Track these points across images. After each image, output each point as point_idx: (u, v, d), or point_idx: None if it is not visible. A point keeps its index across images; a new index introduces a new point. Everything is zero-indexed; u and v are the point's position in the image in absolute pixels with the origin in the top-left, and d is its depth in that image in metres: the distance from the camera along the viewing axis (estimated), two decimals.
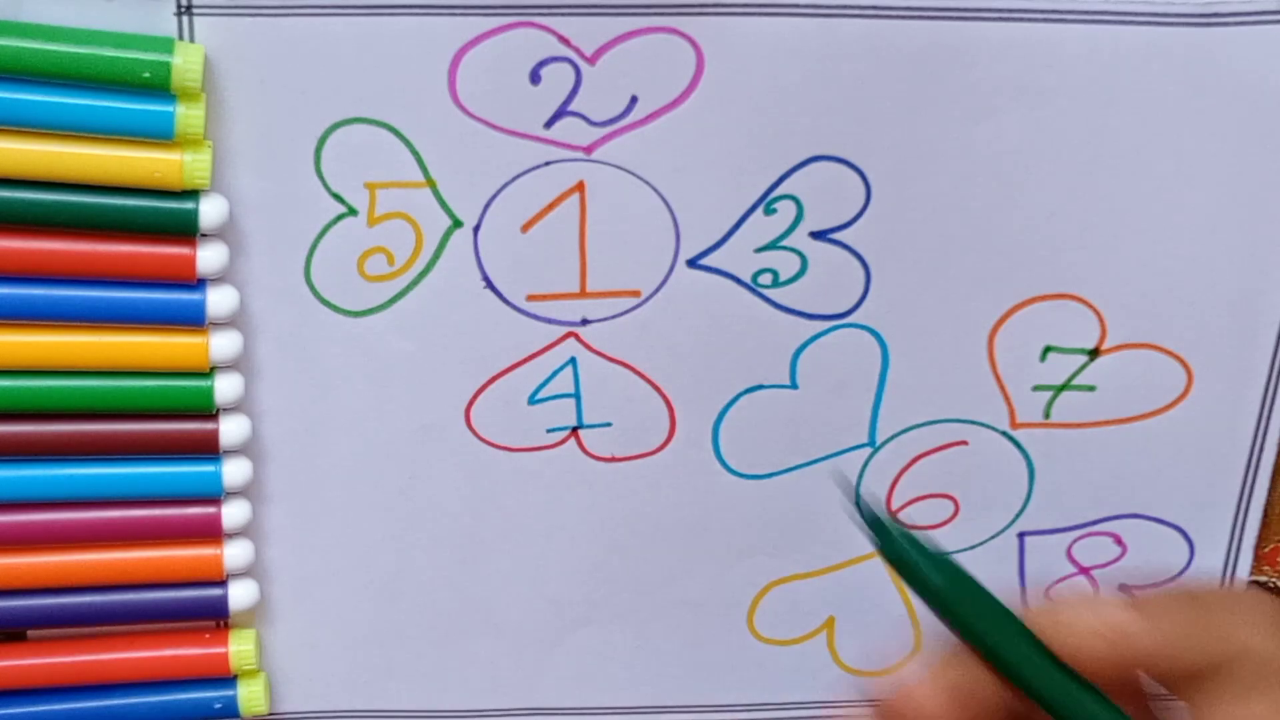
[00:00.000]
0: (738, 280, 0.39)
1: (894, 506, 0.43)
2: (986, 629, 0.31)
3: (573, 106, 0.37)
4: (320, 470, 0.41)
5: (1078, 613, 0.31)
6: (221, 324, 0.38)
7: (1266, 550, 0.44)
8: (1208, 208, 0.39)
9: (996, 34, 0.37)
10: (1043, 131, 0.38)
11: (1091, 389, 0.41)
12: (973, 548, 0.43)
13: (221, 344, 0.38)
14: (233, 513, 0.40)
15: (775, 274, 0.39)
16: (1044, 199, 0.39)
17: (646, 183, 0.38)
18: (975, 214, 0.39)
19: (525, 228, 0.38)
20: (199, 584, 0.41)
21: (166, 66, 0.35)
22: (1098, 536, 0.43)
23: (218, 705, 0.42)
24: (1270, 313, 0.40)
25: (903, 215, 0.39)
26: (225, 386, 0.38)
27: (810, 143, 0.38)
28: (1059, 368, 0.41)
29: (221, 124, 0.36)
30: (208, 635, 0.42)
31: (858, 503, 0.31)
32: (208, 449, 0.39)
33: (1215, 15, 0.37)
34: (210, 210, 0.36)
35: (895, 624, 0.44)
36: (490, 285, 0.39)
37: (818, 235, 0.39)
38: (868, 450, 0.42)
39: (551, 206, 0.38)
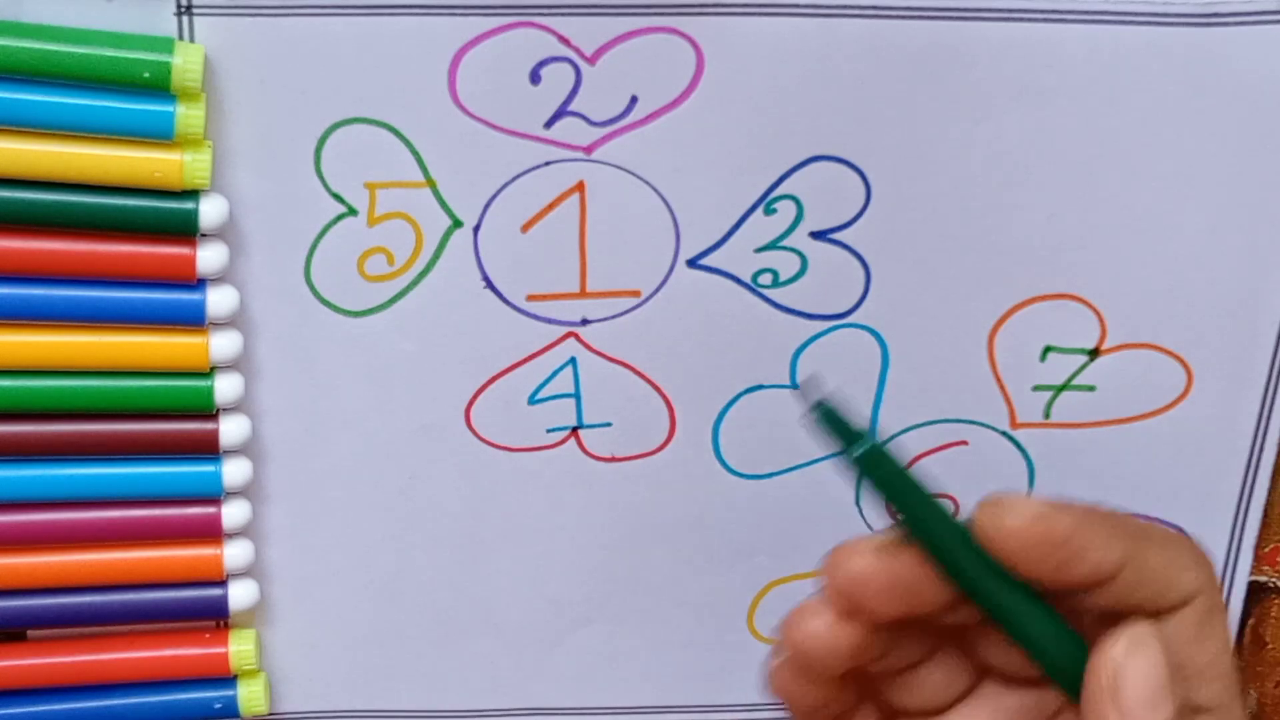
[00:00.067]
0: (738, 280, 0.39)
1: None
2: (920, 515, 0.31)
3: (573, 106, 0.37)
4: (320, 470, 0.41)
5: (1009, 499, 0.32)
6: (221, 324, 0.38)
7: (1266, 550, 0.44)
8: (1208, 208, 0.39)
9: (996, 34, 0.37)
10: (1043, 131, 0.38)
11: (1091, 389, 0.41)
12: None
13: (221, 344, 0.38)
14: (233, 513, 0.40)
15: (775, 274, 0.39)
16: (1044, 199, 0.39)
17: (646, 183, 0.38)
18: (975, 214, 0.39)
19: (525, 228, 0.38)
20: (199, 584, 0.41)
21: (166, 66, 0.35)
22: None
23: (218, 705, 0.42)
24: (1270, 313, 0.40)
25: (903, 215, 0.39)
26: (225, 386, 0.38)
27: (810, 143, 0.38)
28: (1059, 368, 0.41)
29: (221, 124, 0.36)
30: (208, 635, 0.42)
31: (815, 405, 0.31)
32: (208, 449, 0.39)
33: (1215, 15, 0.37)
34: (210, 210, 0.36)
35: None
36: (490, 285, 0.39)
37: (818, 235, 0.39)
38: None
39: (551, 206, 0.38)
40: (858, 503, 0.43)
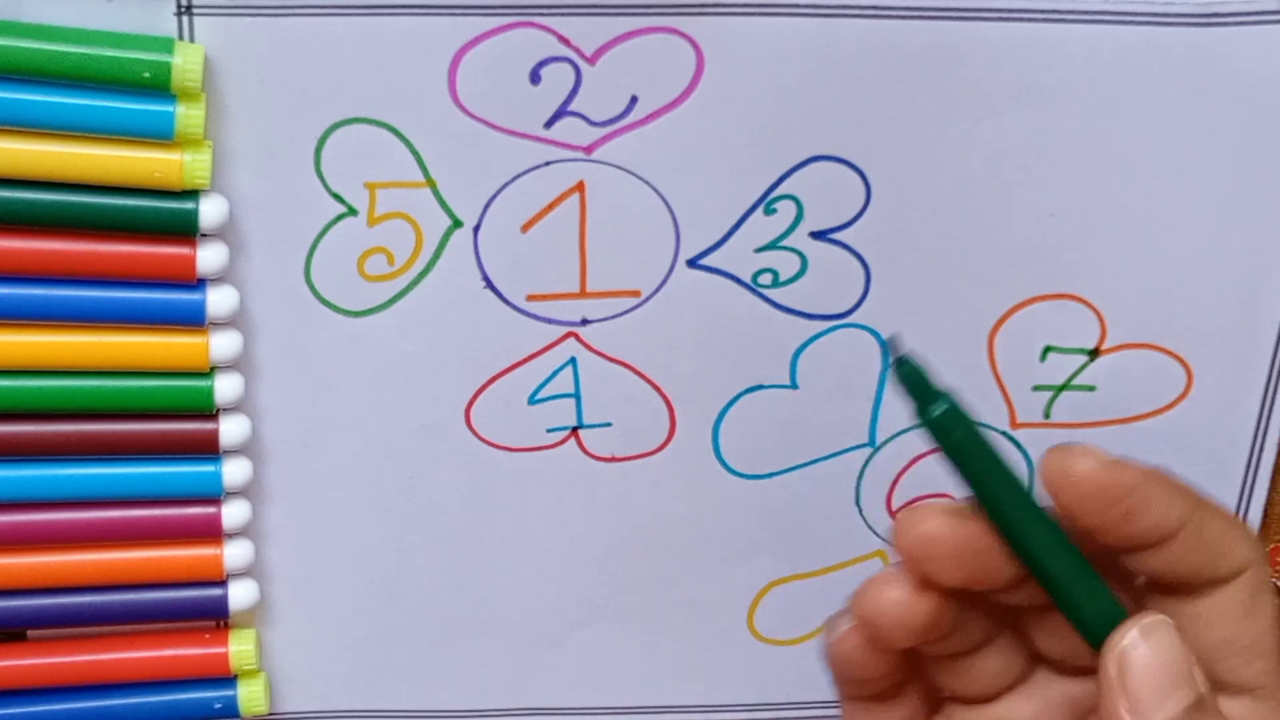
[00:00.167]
0: (738, 280, 0.39)
1: (894, 507, 0.43)
2: (990, 482, 0.31)
3: (573, 106, 0.37)
4: (320, 470, 0.41)
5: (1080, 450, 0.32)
6: (221, 324, 0.38)
7: (1267, 550, 0.44)
8: (1208, 208, 0.39)
9: (996, 34, 0.37)
10: (1043, 131, 0.38)
11: (1091, 389, 0.41)
12: None
13: (221, 344, 0.38)
14: (233, 513, 0.40)
15: (775, 274, 0.39)
16: (1044, 199, 0.39)
17: (646, 183, 0.38)
18: (975, 214, 0.39)
19: (525, 228, 0.38)
20: (199, 584, 0.41)
21: (166, 66, 0.35)
22: None
23: (218, 705, 0.42)
24: (1270, 313, 0.40)
25: (903, 215, 0.39)
26: (225, 386, 0.38)
27: (810, 143, 0.38)
28: (1059, 368, 0.41)
29: (221, 124, 0.36)
30: (208, 635, 0.42)
31: (898, 361, 0.31)
32: (208, 449, 0.39)
33: (1215, 15, 0.37)
34: (210, 210, 0.36)
35: None
36: (490, 285, 0.39)
37: (818, 235, 0.39)
38: (868, 450, 0.42)
39: (551, 206, 0.38)
40: (858, 502, 0.43)
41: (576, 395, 0.41)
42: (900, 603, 0.32)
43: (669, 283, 0.39)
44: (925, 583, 0.32)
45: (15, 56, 0.34)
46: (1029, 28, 0.37)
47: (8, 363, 0.37)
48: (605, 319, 0.40)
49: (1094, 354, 0.41)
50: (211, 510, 0.40)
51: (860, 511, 0.43)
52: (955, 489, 0.33)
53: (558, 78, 0.37)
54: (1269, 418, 0.42)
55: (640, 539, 0.43)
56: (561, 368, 0.40)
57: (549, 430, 0.41)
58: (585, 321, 0.40)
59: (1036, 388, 0.41)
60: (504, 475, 0.41)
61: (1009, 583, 0.32)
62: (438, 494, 0.41)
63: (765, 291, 0.40)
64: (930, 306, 0.40)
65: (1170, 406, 0.42)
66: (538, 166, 0.38)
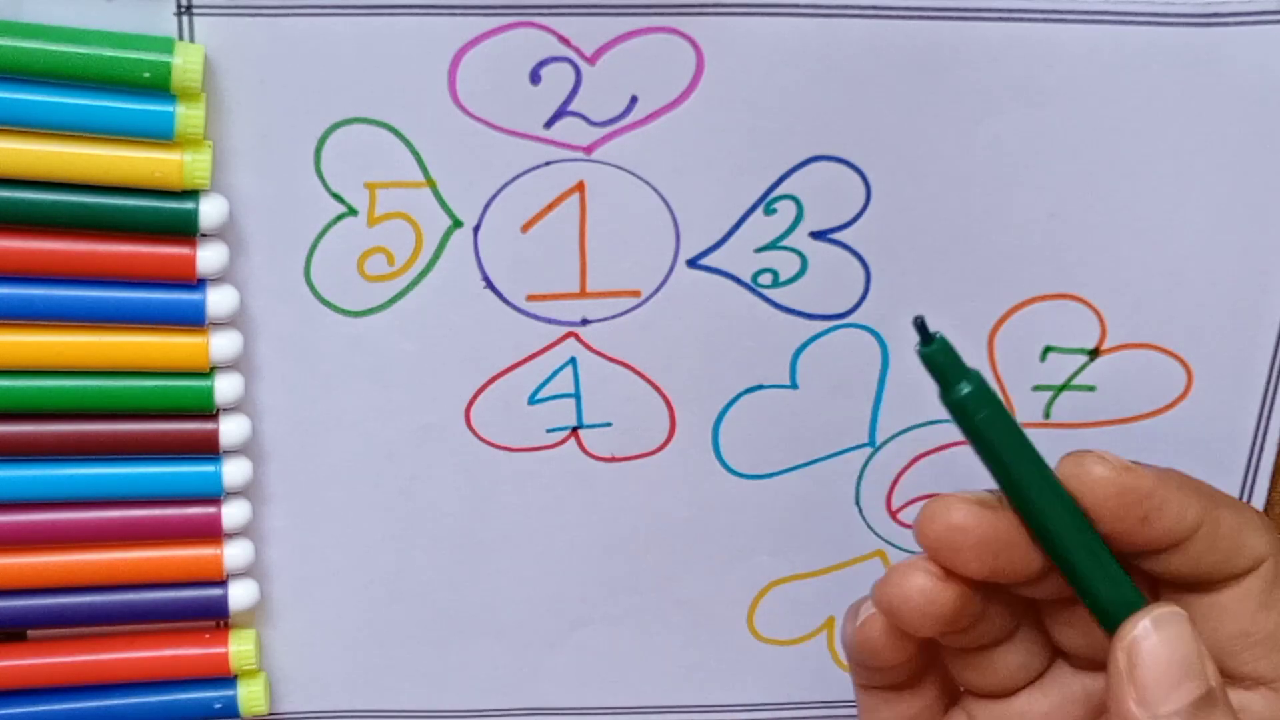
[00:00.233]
0: (738, 280, 0.39)
1: (894, 507, 0.43)
2: (1015, 467, 0.31)
3: (573, 106, 0.37)
4: (320, 470, 0.41)
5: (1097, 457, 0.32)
6: (221, 324, 0.38)
7: None
8: (1208, 208, 0.39)
9: (996, 34, 0.37)
10: (1043, 131, 0.38)
11: (1091, 389, 0.41)
12: None
13: (221, 344, 0.38)
14: (233, 513, 0.40)
15: (775, 274, 0.39)
16: (1044, 199, 0.39)
17: (646, 183, 0.38)
18: (975, 214, 0.39)
19: (525, 228, 0.38)
20: (199, 584, 0.41)
21: (166, 66, 0.35)
22: None
23: (218, 705, 0.42)
24: (1270, 313, 0.40)
25: (903, 215, 0.39)
26: (225, 386, 0.38)
27: (810, 143, 0.38)
28: (1059, 368, 0.41)
29: (221, 124, 0.36)
30: (208, 635, 0.42)
31: (925, 340, 0.31)
32: (208, 449, 0.39)
33: (1215, 15, 0.37)
34: (210, 210, 0.36)
35: None
36: (490, 285, 0.39)
37: (818, 235, 0.39)
38: (868, 450, 0.42)
39: (551, 206, 0.38)
40: (858, 502, 0.43)
41: (576, 395, 0.41)
42: (925, 590, 0.32)
43: (669, 283, 0.39)
44: (949, 573, 0.32)
45: (15, 56, 0.34)
46: (1029, 28, 0.37)
47: (8, 363, 0.37)
48: (605, 319, 0.40)
49: (1094, 354, 0.41)
50: (211, 510, 0.40)
51: (860, 511, 0.43)
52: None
53: (558, 78, 0.37)
54: (1269, 418, 0.42)
55: (640, 539, 0.43)
56: (561, 368, 0.40)
57: (549, 430, 0.41)
58: (585, 321, 0.40)
59: (1036, 388, 0.41)
60: (504, 475, 0.41)
61: (1032, 576, 0.32)
62: (438, 494, 0.41)
63: (765, 291, 0.40)
64: (930, 306, 0.40)
65: (1170, 406, 0.42)
66: (538, 166, 0.38)
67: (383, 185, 0.38)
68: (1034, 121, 0.38)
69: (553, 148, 0.37)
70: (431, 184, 0.38)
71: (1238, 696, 0.32)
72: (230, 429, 0.39)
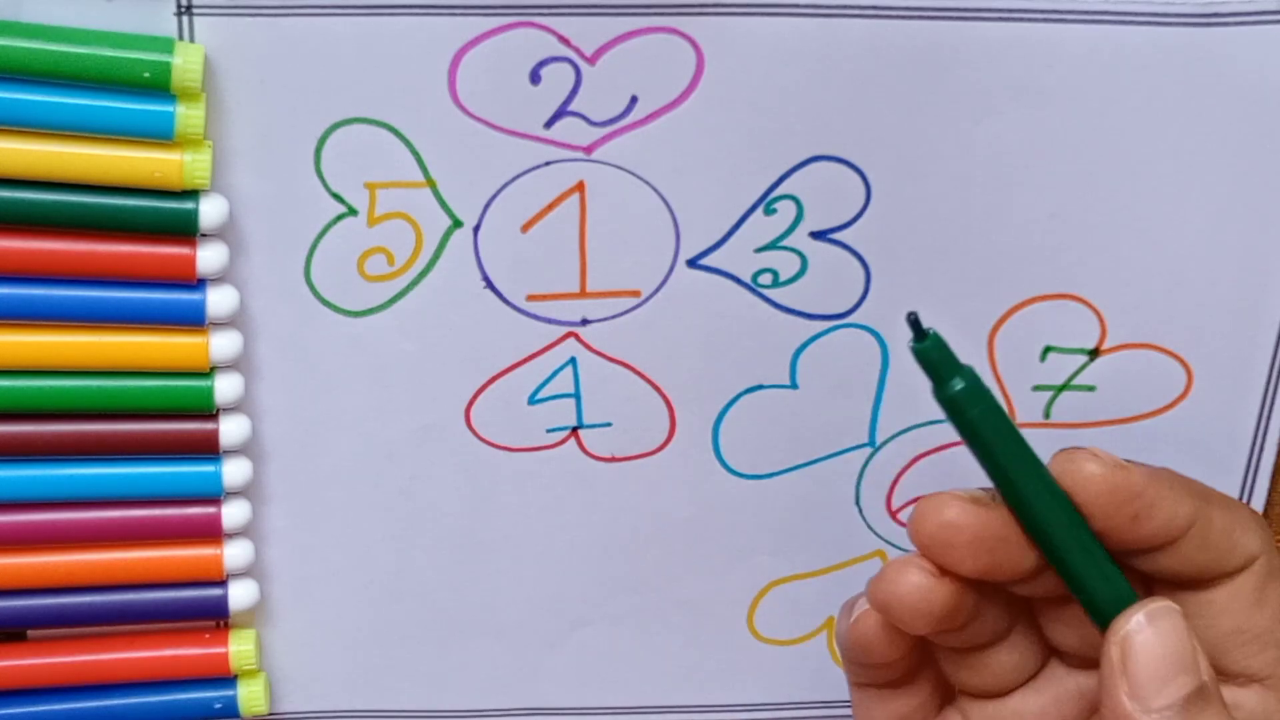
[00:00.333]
0: (738, 280, 0.39)
1: (894, 507, 0.43)
2: (1009, 463, 0.31)
3: (573, 106, 0.37)
4: (320, 470, 0.41)
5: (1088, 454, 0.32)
6: (221, 324, 0.38)
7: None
8: (1208, 208, 0.39)
9: (996, 34, 0.37)
10: (1043, 131, 0.38)
11: (1091, 389, 0.41)
12: None
13: (221, 344, 0.38)
14: (233, 513, 0.40)
15: (775, 274, 0.39)
16: (1044, 199, 0.39)
17: (646, 183, 0.38)
18: (975, 214, 0.39)
19: (525, 228, 0.38)
20: (199, 584, 0.41)
21: (166, 66, 0.35)
22: None
23: (218, 705, 0.42)
24: (1270, 313, 0.40)
25: (903, 215, 0.39)
26: (225, 386, 0.38)
27: (810, 143, 0.38)
28: (1059, 368, 0.41)
29: (221, 124, 0.36)
30: (208, 635, 0.42)
31: (918, 337, 0.31)
32: (208, 449, 0.39)
33: (1215, 15, 0.37)
34: (210, 210, 0.36)
35: None
36: (490, 285, 0.39)
37: (818, 235, 0.39)
38: (868, 450, 0.42)
39: (551, 206, 0.38)
40: (858, 502, 0.43)
41: (576, 395, 0.41)
42: (919, 587, 0.32)
43: (669, 283, 0.39)
44: (944, 571, 0.32)
45: (15, 56, 0.34)
46: (1029, 28, 0.37)
47: (8, 363, 0.37)
48: (605, 319, 0.40)
49: (1094, 354, 0.41)
50: (211, 510, 0.40)
51: (860, 511, 0.43)
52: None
53: (558, 78, 0.37)
54: (1269, 418, 0.42)
55: (640, 539, 0.43)
56: (561, 368, 0.40)
57: (549, 430, 0.41)
58: (585, 321, 0.40)
59: (1036, 388, 0.41)
60: (504, 475, 0.41)
61: (1026, 573, 0.32)
62: (438, 494, 0.41)
63: (765, 291, 0.40)
64: (930, 306, 0.40)
65: (1170, 406, 0.42)
66: (538, 166, 0.38)
67: (383, 185, 0.38)
68: (1034, 121, 0.38)
69: (553, 148, 0.37)
70: (431, 184, 0.38)
71: (1230, 693, 0.32)
72: (230, 429, 0.39)
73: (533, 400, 0.41)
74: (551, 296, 0.39)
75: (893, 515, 0.43)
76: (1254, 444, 0.42)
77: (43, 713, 0.41)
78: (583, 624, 0.44)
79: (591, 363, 0.40)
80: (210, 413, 0.39)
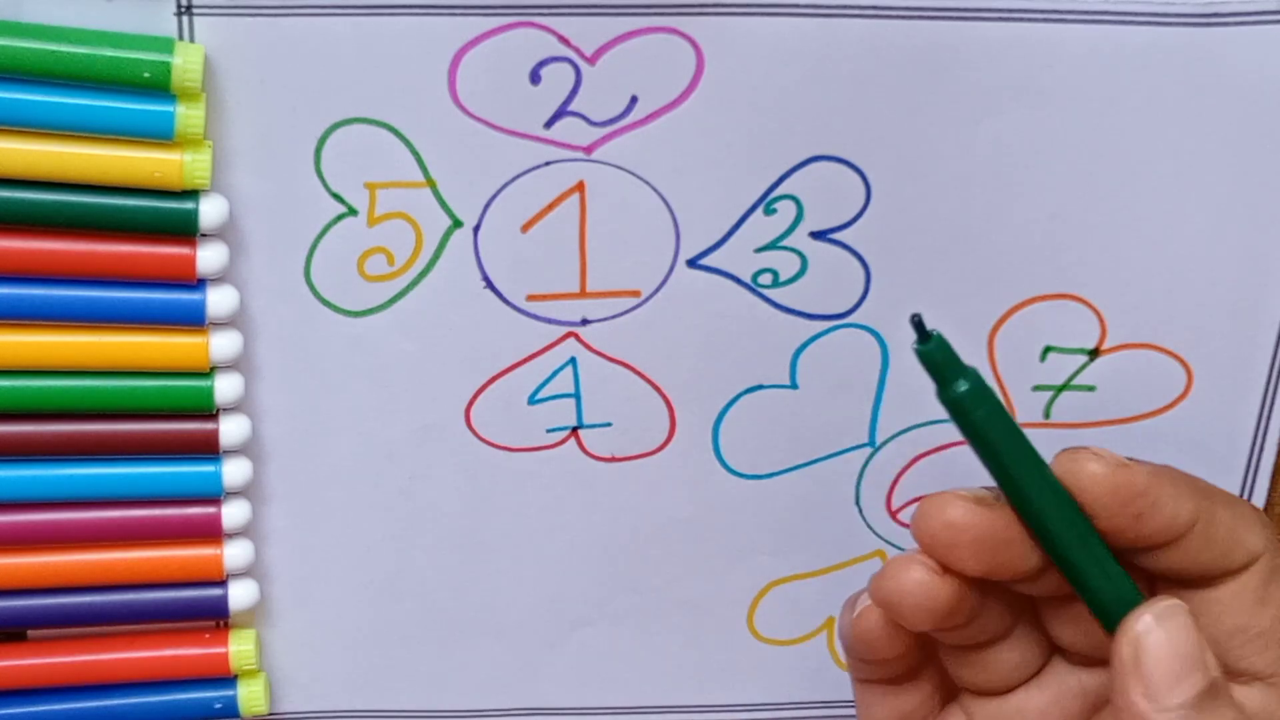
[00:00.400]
0: (738, 280, 0.39)
1: (894, 507, 0.43)
2: (1013, 464, 0.31)
3: (573, 106, 0.37)
4: (320, 470, 0.41)
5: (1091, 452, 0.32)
6: (221, 324, 0.38)
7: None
8: (1208, 208, 0.39)
9: (996, 34, 0.37)
10: (1043, 131, 0.38)
11: (1091, 389, 0.41)
12: None
13: (221, 344, 0.38)
14: (233, 513, 0.40)
15: (775, 274, 0.39)
16: (1044, 199, 0.39)
17: (646, 183, 0.38)
18: (975, 214, 0.39)
19: (525, 228, 0.38)
20: (199, 584, 0.41)
21: (166, 66, 0.35)
22: None
23: (218, 705, 0.42)
24: (1270, 313, 0.40)
25: (903, 215, 0.39)
26: (225, 386, 0.38)
27: (810, 143, 0.38)
28: (1059, 368, 0.41)
29: (221, 124, 0.36)
30: (208, 635, 0.42)
31: (922, 338, 0.31)
32: (208, 449, 0.39)
33: (1215, 15, 0.37)
34: (210, 210, 0.36)
35: None
36: (490, 285, 0.39)
37: (818, 235, 0.39)
38: (868, 450, 0.42)
39: (551, 206, 0.38)
40: (858, 502, 0.43)
41: (576, 395, 0.41)
42: (922, 584, 0.32)
43: (669, 283, 0.39)
44: (946, 568, 0.32)
45: (15, 56, 0.34)
46: (1029, 28, 0.37)
47: (8, 363, 0.37)
48: (605, 319, 0.40)
49: (1094, 354, 0.41)
50: (211, 510, 0.40)
51: (860, 511, 0.43)
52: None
53: (558, 78, 0.37)
54: (1269, 418, 0.42)
55: (640, 539, 0.43)
56: (561, 368, 0.40)
57: (549, 430, 0.41)
58: (585, 321, 0.40)
59: (1036, 388, 0.41)
60: (504, 475, 0.41)
61: (1029, 573, 0.32)
62: (438, 494, 0.41)
63: (765, 291, 0.40)
64: (930, 306, 0.40)
65: (1170, 406, 0.42)
66: (538, 166, 0.38)
67: (383, 185, 0.38)
68: (1034, 121, 0.38)
69: (553, 148, 0.37)
70: (431, 184, 0.38)
71: (1234, 691, 0.32)
72: (230, 429, 0.39)
73: (533, 400, 0.41)
74: (551, 296, 0.39)
75: (893, 515, 0.43)
76: (1254, 444, 0.42)
77: (43, 713, 0.41)
78: (583, 624, 0.44)
79: (591, 363, 0.40)
80: (210, 413, 0.39)
